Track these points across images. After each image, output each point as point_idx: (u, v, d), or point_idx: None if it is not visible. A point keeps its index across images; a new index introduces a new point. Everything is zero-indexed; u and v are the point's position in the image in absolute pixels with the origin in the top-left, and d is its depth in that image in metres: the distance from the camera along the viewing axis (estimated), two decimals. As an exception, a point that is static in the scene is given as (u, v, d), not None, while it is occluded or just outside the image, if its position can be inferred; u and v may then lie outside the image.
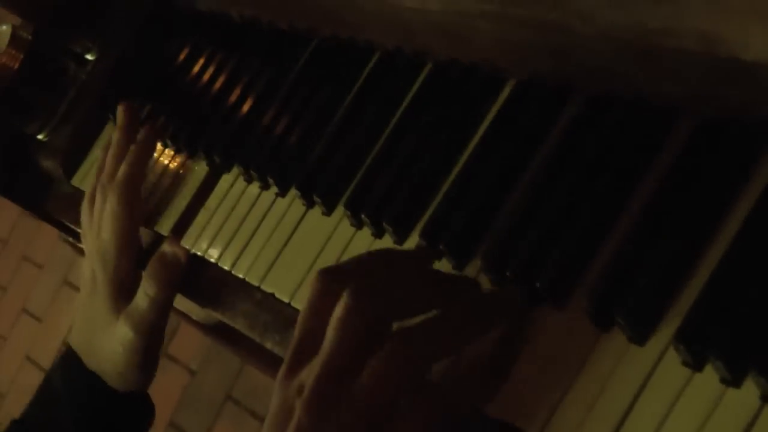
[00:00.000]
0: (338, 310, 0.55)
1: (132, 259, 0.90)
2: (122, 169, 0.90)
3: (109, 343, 0.89)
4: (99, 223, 0.91)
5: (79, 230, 1.06)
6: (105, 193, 0.90)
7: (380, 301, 0.57)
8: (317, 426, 0.54)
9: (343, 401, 0.54)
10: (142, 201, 0.92)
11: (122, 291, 0.89)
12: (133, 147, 0.93)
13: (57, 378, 0.94)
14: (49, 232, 3.09)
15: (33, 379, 2.86)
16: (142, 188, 0.92)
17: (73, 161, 1.08)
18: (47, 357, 2.93)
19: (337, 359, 0.55)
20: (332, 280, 0.59)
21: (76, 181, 1.07)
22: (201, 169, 0.93)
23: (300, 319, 0.59)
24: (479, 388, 0.60)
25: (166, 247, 0.90)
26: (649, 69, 0.62)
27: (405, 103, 0.79)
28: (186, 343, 2.34)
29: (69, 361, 0.93)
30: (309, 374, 0.55)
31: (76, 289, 2.93)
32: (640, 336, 0.55)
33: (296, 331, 0.59)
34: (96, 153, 1.06)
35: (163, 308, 0.88)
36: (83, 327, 0.93)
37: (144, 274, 0.88)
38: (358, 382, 0.54)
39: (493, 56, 0.73)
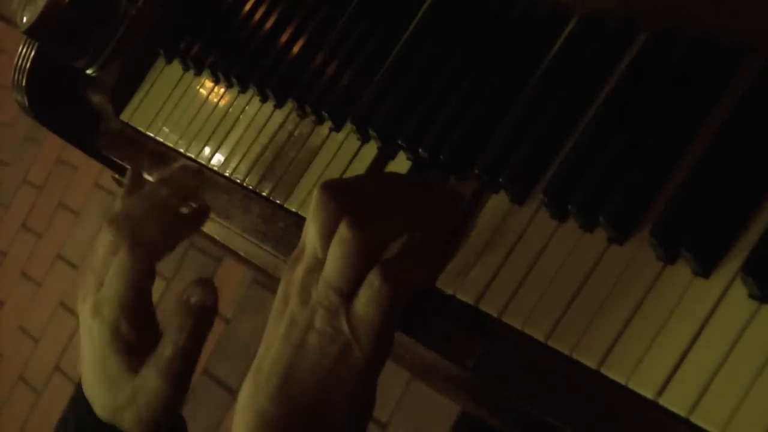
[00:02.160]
0: (338, 242, 0.63)
1: (138, 323, 0.81)
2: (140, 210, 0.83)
3: (127, 397, 0.80)
4: (103, 268, 0.81)
5: (126, 165, 1.07)
6: (117, 236, 0.81)
7: (376, 231, 0.65)
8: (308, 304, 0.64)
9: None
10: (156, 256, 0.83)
11: (129, 348, 0.81)
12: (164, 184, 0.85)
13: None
14: (85, 178, 3.14)
15: (66, 330, 2.90)
16: None
17: (122, 97, 1.08)
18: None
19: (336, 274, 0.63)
20: (334, 195, 0.65)
21: (124, 117, 1.07)
22: (252, 107, 0.93)
23: (308, 232, 0.66)
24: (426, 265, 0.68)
25: (194, 293, 0.82)
26: (721, 3, 0.62)
27: (464, 40, 0.78)
28: (221, 291, 2.35)
29: (82, 411, 0.84)
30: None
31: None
32: (705, 269, 0.55)
33: (307, 240, 0.66)
34: (146, 89, 1.06)
35: (193, 356, 0.81)
36: (98, 378, 0.82)
37: (172, 321, 0.81)
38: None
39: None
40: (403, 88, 0.79)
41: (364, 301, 0.63)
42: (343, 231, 0.63)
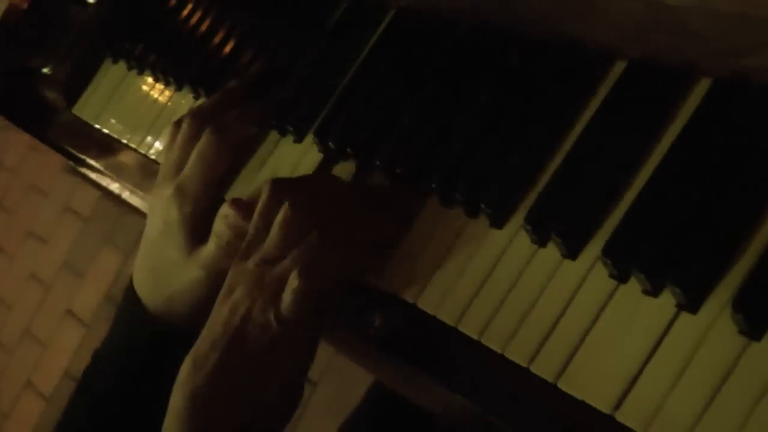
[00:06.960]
0: (280, 217, 0.68)
1: (212, 202, 0.79)
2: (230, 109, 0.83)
3: (178, 284, 0.79)
4: (182, 157, 0.81)
5: (79, 155, 1.10)
6: (199, 127, 0.81)
7: (311, 213, 0.69)
8: (249, 296, 0.66)
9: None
10: (238, 151, 0.83)
11: (196, 233, 0.78)
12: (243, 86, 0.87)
13: (120, 325, 0.84)
14: (54, 163, 3.10)
15: (35, 297, 2.89)
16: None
17: (74, 92, 1.11)
18: (49, 275, 2.96)
19: (275, 251, 0.67)
20: (279, 191, 0.70)
21: (76, 110, 1.11)
22: (188, 102, 0.97)
23: (253, 219, 0.70)
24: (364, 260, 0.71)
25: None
26: (583, 14, 0.64)
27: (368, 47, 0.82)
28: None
29: (132, 308, 0.82)
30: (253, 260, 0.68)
31: (77, 214, 2.96)
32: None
33: (249, 228, 0.70)
34: (95, 85, 1.09)
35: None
36: (149, 267, 0.81)
37: (216, 222, 0.76)
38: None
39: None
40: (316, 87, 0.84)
41: (288, 299, 0.64)
42: (284, 209, 0.67)
